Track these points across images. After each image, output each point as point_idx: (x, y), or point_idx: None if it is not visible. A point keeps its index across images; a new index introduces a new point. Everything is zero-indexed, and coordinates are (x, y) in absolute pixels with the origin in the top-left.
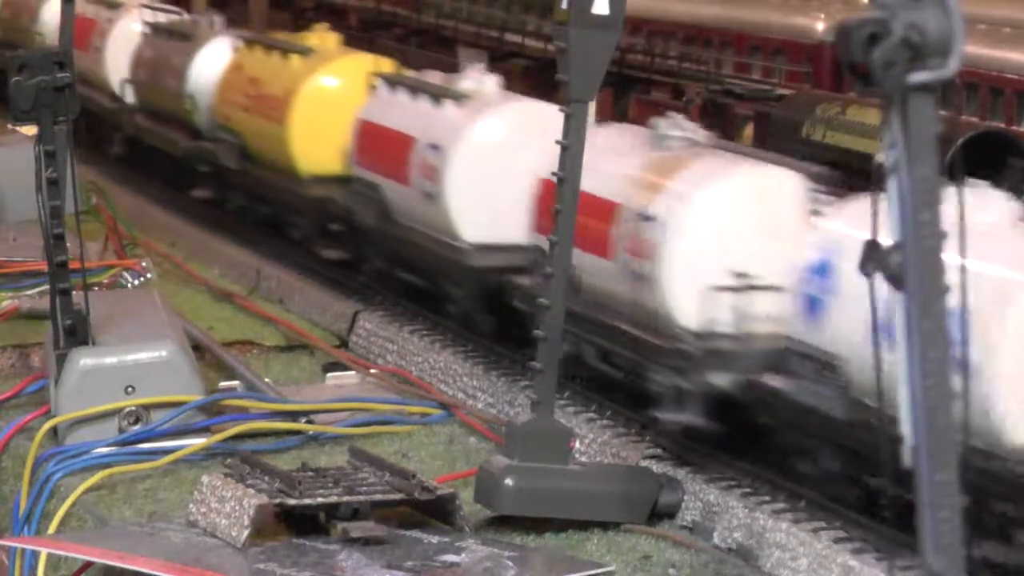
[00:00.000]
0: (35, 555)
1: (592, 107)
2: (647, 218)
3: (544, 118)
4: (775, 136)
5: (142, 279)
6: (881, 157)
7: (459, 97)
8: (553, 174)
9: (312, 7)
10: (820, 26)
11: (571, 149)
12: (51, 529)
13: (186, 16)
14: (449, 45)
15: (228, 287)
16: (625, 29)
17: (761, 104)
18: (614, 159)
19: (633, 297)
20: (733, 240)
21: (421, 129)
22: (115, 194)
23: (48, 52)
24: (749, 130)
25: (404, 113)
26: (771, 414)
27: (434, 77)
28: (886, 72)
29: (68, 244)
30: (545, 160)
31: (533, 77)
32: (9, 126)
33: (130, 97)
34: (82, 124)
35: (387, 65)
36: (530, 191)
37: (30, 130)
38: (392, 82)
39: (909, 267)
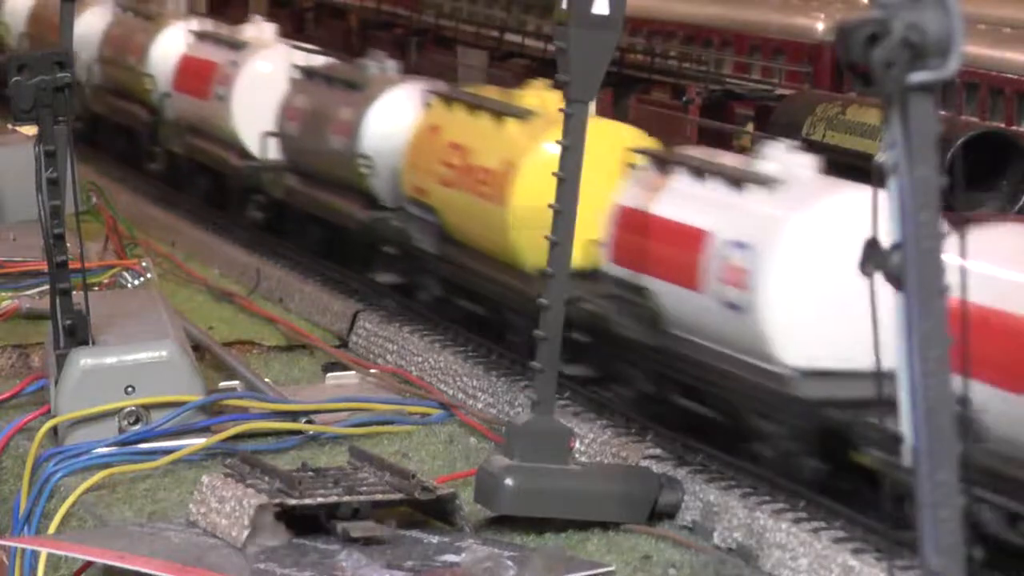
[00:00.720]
0: (35, 555)
1: (592, 107)
2: None
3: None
4: (775, 136)
5: (142, 279)
6: (881, 157)
7: (768, 182)
8: (553, 174)
9: (312, 7)
10: (820, 26)
11: (571, 149)
12: (51, 529)
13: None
14: (449, 45)
15: (228, 287)
16: (625, 29)
17: (761, 104)
18: None
19: None
20: None
21: (718, 221)
22: (115, 194)
23: (48, 52)
24: (749, 130)
25: (689, 200)
26: None
27: (723, 156)
28: (886, 72)
29: (68, 244)
30: None
31: (533, 77)
32: (9, 126)
33: (273, 153)
34: (205, 183)
35: (633, 135)
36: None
37: (30, 130)
38: (664, 161)
39: (909, 267)
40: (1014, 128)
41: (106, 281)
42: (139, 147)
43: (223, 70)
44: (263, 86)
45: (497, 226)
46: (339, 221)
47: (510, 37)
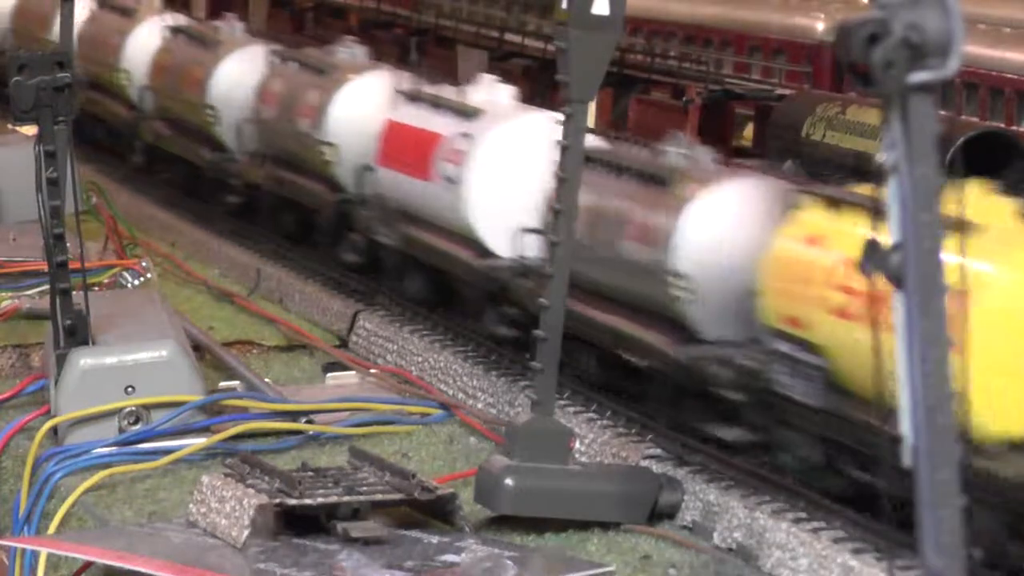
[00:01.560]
0: (35, 555)
1: (592, 107)
2: None
3: None
4: (775, 136)
5: (142, 279)
6: (881, 157)
7: None
8: (555, 175)
9: (312, 7)
10: (820, 26)
11: (571, 149)
12: (51, 529)
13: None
14: (449, 45)
15: (228, 287)
16: (625, 29)
17: (761, 104)
18: None
19: None
20: None
21: None
22: (115, 194)
23: (48, 52)
24: (749, 130)
25: None
26: None
27: None
28: (886, 72)
29: (68, 244)
30: None
31: (533, 77)
32: (9, 126)
33: (529, 252)
34: (422, 281)
35: None
36: None
37: (30, 130)
38: None
39: (909, 267)
40: (1014, 128)
41: (106, 281)
42: (319, 229)
43: (451, 144)
44: (509, 168)
45: None
46: (640, 354)
47: (510, 37)
